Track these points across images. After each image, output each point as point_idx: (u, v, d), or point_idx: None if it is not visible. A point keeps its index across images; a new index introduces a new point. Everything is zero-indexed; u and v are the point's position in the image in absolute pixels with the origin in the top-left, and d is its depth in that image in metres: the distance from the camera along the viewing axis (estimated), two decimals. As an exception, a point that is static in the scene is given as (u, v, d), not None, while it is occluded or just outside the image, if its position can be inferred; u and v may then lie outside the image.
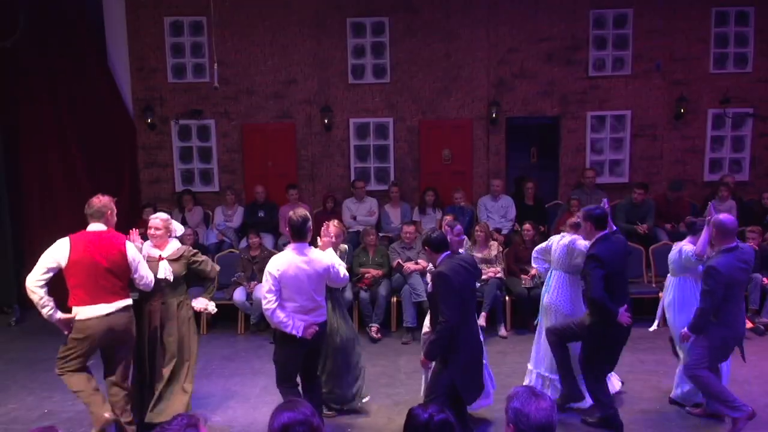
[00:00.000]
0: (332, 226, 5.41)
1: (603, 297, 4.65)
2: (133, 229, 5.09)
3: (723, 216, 4.74)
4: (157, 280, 4.91)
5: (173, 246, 5.15)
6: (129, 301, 4.68)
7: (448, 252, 4.51)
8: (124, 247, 4.62)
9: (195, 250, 5.30)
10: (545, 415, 2.33)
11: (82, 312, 4.48)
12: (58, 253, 4.47)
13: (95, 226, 4.60)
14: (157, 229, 5.05)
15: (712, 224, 4.77)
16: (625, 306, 4.79)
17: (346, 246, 5.76)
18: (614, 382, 5.48)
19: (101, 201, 4.65)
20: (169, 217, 5.26)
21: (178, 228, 5.34)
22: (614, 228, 5.15)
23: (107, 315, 4.50)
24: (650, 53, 9.24)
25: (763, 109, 9.31)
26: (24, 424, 5.15)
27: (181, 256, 5.07)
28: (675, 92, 9.27)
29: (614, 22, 9.26)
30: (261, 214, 8.97)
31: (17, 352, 7.06)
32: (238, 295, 7.63)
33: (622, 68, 9.33)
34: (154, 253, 5.06)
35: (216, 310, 5.38)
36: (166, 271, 4.98)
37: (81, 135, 8.79)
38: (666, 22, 9.20)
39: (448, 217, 7.55)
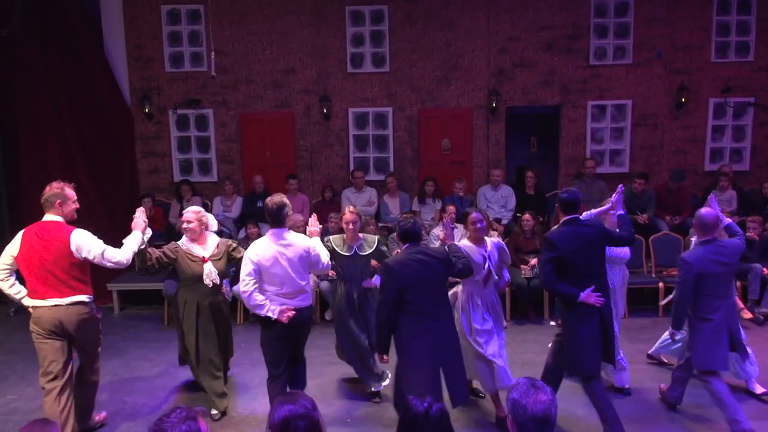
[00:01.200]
0: (348, 213, 5.26)
1: (551, 281, 4.42)
2: (139, 208, 4.90)
3: (704, 210, 4.69)
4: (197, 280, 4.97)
5: (213, 242, 5.05)
6: (85, 298, 4.47)
7: (409, 244, 4.39)
8: (68, 238, 4.38)
9: (233, 244, 5.23)
10: (543, 408, 2.30)
11: (34, 304, 4.43)
12: (11, 247, 4.44)
13: (48, 217, 4.48)
14: (189, 222, 4.92)
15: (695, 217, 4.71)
16: (592, 287, 4.40)
17: (376, 237, 5.45)
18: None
19: (51, 189, 4.48)
20: (201, 209, 5.09)
21: (213, 223, 5.19)
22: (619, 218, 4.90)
23: (56, 306, 4.37)
24: (651, 42, 9.17)
25: (764, 99, 9.26)
26: (23, 415, 5.14)
27: (223, 254, 5.08)
28: (676, 81, 9.22)
29: (615, 10, 9.18)
30: (260, 204, 8.90)
31: (16, 342, 7.03)
32: (237, 285, 7.60)
33: (623, 57, 9.27)
34: (197, 251, 4.96)
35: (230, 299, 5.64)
36: (212, 273, 4.96)
37: (79, 126, 8.74)
38: (667, 10, 9.13)
39: (450, 208, 7.55)
